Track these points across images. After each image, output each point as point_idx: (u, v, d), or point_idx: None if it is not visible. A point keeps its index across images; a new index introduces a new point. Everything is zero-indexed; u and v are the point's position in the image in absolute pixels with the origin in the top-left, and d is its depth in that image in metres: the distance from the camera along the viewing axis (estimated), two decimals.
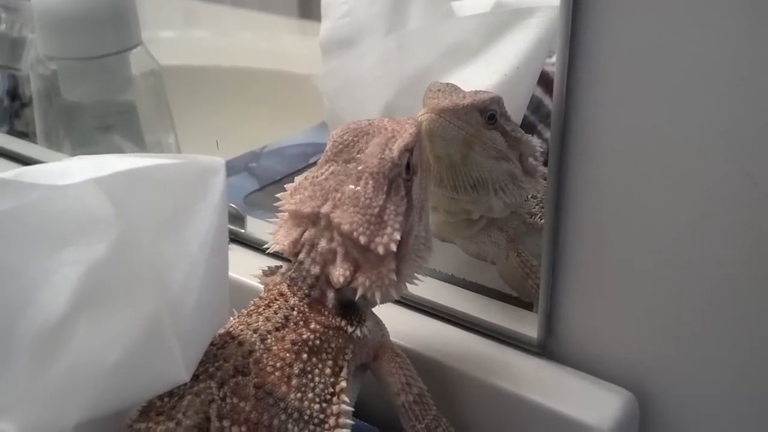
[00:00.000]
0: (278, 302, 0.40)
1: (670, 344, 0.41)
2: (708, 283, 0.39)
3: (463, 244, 0.51)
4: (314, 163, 0.56)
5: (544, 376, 0.44)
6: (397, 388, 0.41)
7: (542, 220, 0.48)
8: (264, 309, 0.39)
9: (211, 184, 0.34)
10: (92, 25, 0.64)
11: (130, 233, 0.31)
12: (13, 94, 0.81)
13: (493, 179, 0.46)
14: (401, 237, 0.38)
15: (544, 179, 0.47)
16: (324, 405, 0.37)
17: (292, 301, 0.39)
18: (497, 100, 0.46)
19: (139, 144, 0.71)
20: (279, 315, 0.39)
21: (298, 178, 0.41)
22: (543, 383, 0.44)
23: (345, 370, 0.39)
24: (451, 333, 0.47)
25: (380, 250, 0.38)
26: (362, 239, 0.38)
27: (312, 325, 0.39)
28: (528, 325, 0.45)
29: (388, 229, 0.38)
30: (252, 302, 0.41)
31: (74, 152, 0.70)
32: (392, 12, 0.57)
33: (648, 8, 0.36)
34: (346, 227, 0.38)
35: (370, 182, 0.39)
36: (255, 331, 0.38)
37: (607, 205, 0.41)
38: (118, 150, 0.70)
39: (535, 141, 0.48)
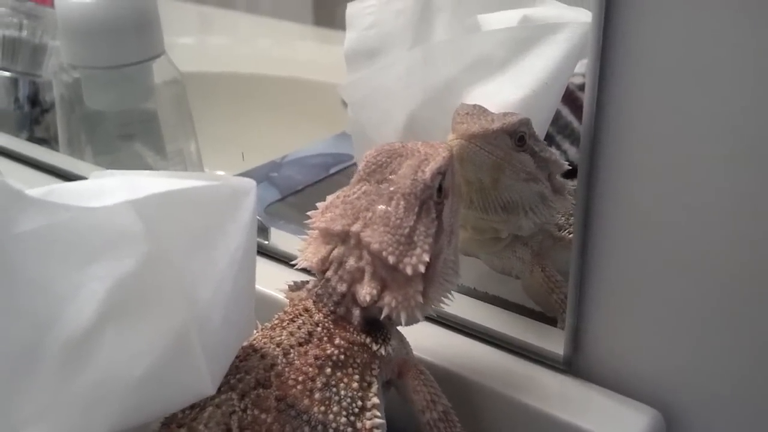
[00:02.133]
0: (303, 317, 0.40)
1: (698, 362, 0.41)
2: (737, 300, 0.39)
3: (487, 258, 0.51)
4: (335, 174, 0.57)
5: (570, 393, 0.44)
6: (422, 406, 0.41)
7: (570, 234, 0.48)
8: (288, 324, 0.40)
9: (242, 204, 0.34)
10: (116, 34, 0.65)
11: (159, 250, 0.31)
12: (34, 100, 0.81)
13: (523, 201, 0.46)
14: (430, 259, 0.38)
15: (571, 195, 0.47)
16: (353, 419, 0.37)
17: (317, 317, 0.40)
18: (526, 122, 0.46)
19: (161, 153, 0.71)
20: (303, 330, 0.39)
21: (330, 197, 0.41)
22: (569, 400, 0.44)
23: (375, 385, 0.39)
24: (476, 348, 0.47)
25: (408, 270, 0.38)
26: (391, 259, 0.38)
27: (336, 341, 0.39)
28: (554, 342, 0.45)
29: (418, 250, 0.38)
30: (276, 316, 0.41)
31: (96, 160, 0.70)
32: (418, 23, 0.56)
33: (681, 25, 0.36)
34: (375, 246, 0.38)
35: (402, 203, 0.39)
36: (278, 345, 0.38)
37: (636, 222, 0.41)
38: (139, 158, 0.71)
39: (562, 159, 0.49)
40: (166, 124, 0.71)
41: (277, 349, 0.38)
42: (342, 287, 0.39)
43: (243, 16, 1.35)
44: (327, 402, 0.37)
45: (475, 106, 0.46)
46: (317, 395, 0.37)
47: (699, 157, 0.38)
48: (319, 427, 0.36)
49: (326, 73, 0.99)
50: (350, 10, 0.58)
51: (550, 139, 0.74)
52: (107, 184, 0.32)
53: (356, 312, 0.39)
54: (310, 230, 0.41)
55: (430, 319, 0.49)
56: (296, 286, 0.42)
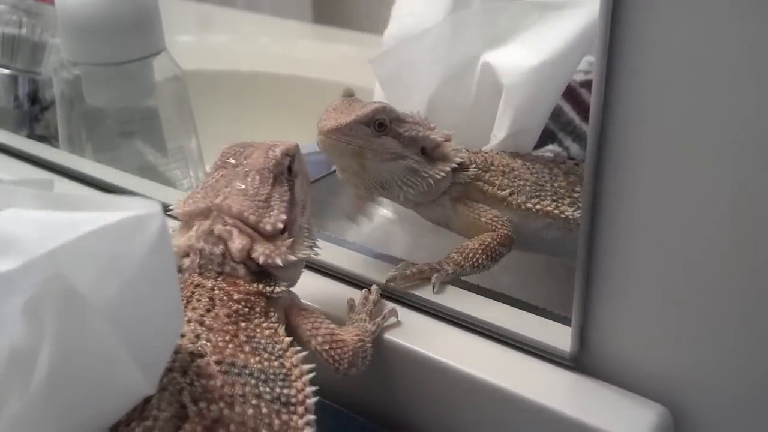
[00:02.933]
0: (197, 291, 0.42)
1: (706, 358, 0.41)
2: (745, 296, 0.39)
3: (421, 213, 0.56)
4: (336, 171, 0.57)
5: (577, 390, 0.44)
6: (306, 336, 0.44)
7: (504, 191, 0.53)
8: (187, 303, 0.42)
9: (149, 229, 0.35)
10: (117, 30, 0.64)
11: (69, 282, 0.32)
12: (33, 97, 0.81)
13: (393, 177, 0.51)
14: (285, 224, 0.43)
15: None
16: (282, 360, 0.41)
17: (210, 283, 0.42)
18: (381, 109, 0.50)
19: (161, 150, 0.71)
20: (203, 300, 0.42)
21: (190, 191, 0.45)
22: (575, 397, 0.43)
23: (281, 328, 0.42)
24: (482, 345, 0.47)
25: (268, 228, 0.43)
26: (252, 218, 0.43)
27: (235, 296, 0.42)
28: (561, 338, 0.45)
29: (275, 211, 0.43)
30: None
31: (96, 157, 0.70)
32: (452, 9, 0.59)
33: (689, 22, 0.36)
34: (235, 209, 0.43)
35: (257, 177, 0.44)
36: (189, 321, 0.41)
37: (642, 219, 0.40)
38: (139, 155, 0.70)
39: (436, 134, 0.52)
40: (167, 121, 0.71)
41: (192, 324, 0.40)
42: (218, 249, 0.43)
43: (243, 14, 1.35)
44: (256, 351, 0.40)
45: (345, 99, 0.52)
46: (247, 348, 0.40)
47: (707, 156, 0.37)
48: (262, 376, 0.39)
49: (326, 70, 0.99)
50: (398, 1, 0.61)
51: (552, 135, 0.75)
52: (10, 231, 0.32)
53: (239, 266, 0.43)
54: (174, 219, 0.44)
55: (435, 315, 0.49)
56: None
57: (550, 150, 0.74)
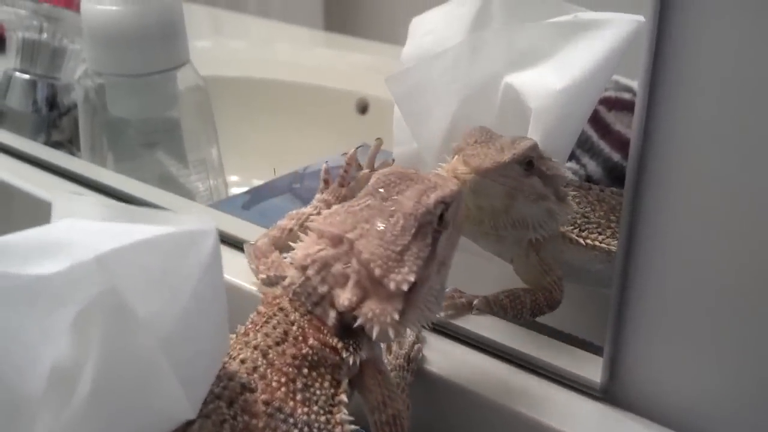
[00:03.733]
0: (278, 317, 0.40)
1: (739, 393, 0.41)
2: None
3: (484, 241, 0.52)
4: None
5: (607, 422, 0.44)
6: (373, 406, 0.41)
7: (564, 228, 0.51)
8: (262, 326, 0.40)
9: (203, 245, 0.34)
10: (143, 42, 0.64)
11: (120, 297, 0.32)
12: (52, 103, 0.81)
13: (534, 219, 0.48)
14: (415, 280, 0.39)
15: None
16: (329, 416, 0.39)
17: (293, 316, 0.40)
18: (534, 147, 0.47)
19: (182, 161, 0.71)
20: (278, 330, 0.40)
21: (336, 206, 0.42)
22: (605, 429, 0.43)
23: (344, 383, 0.40)
24: (511, 374, 0.47)
25: (392, 286, 0.38)
26: (378, 271, 0.38)
27: (310, 341, 0.40)
28: (591, 369, 0.45)
29: (405, 269, 0.39)
30: (250, 318, 0.41)
31: (117, 167, 0.70)
32: (472, 29, 0.58)
33: (734, 50, 0.36)
34: (366, 256, 0.39)
35: (401, 221, 0.40)
36: (255, 347, 0.39)
37: (677, 251, 0.40)
38: (160, 166, 0.70)
39: (564, 168, 0.50)
40: (189, 131, 0.71)
41: (256, 352, 0.39)
42: (323, 288, 0.40)
43: (254, 20, 1.35)
44: (308, 402, 0.38)
45: (481, 130, 0.48)
46: (299, 396, 0.38)
47: (746, 186, 0.38)
48: (305, 429, 0.38)
49: (338, 79, 0.99)
50: (414, 21, 0.60)
51: (570, 153, 0.75)
52: (63, 237, 0.32)
53: (332, 314, 0.40)
54: (309, 230, 0.42)
55: (462, 341, 0.49)
56: (270, 281, 0.44)
57: (567, 167, 0.74)
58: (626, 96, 0.76)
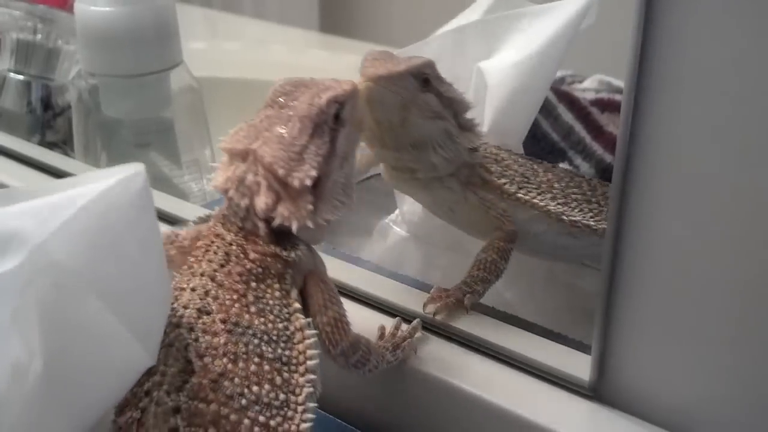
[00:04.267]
0: (216, 243, 0.43)
1: (725, 391, 0.41)
2: None
3: (418, 196, 0.55)
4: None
5: (595, 420, 0.44)
6: (314, 310, 0.44)
7: (499, 180, 0.53)
8: (204, 254, 0.42)
9: (133, 189, 0.35)
10: (137, 43, 0.65)
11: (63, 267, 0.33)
12: (46, 103, 0.81)
13: (430, 138, 0.50)
14: (318, 176, 0.42)
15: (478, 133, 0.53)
16: (286, 323, 0.41)
17: (229, 237, 0.43)
18: (430, 64, 0.49)
19: (176, 161, 0.71)
20: (219, 254, 0.42)
21: (240, 123, 0.44)
22: (593, 427, 0.44)
23: (293, 292, 0.43)
24: (499, 372, 0.47)
25: (296, 183, 0.41)
26: (281, 171, 0.41)
27: (251, 255, 0.42)
28: (579, 367, 0.45)
29: (306, 166, 0.42)
30: (192, 254, 0.43)
31: (111, 167, 0.70)
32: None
33: (719, 50, 0.36)
34: (268, 159, 0.41)
35: (297, 124, 0.42)
36: (202, 274, 0.41)
37: (666, 249, 0.40)
38: (153, 166, 0.71)
39: (467, 98, 0.52)
40: (182, 132, 0.71)
41: (204, 278, 0.41)
42: (244, 201, 0.42)
43: (249, 21, 1.35)
44: (263, 313, 0.41)
45: (382, 51, 0.49)
46: (253, 308, 0.41)
47: (731, 187, 0.38)
48: (265, 337, 0.40)
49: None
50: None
51: (562, 153, 0.75)
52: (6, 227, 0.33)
53: (261, 224, 0.42)
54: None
55: (452, 340, 0.49)
56: (201, 220, 0.45)
57: (561, 168, 0.75)
58: (619, 98, 0.76)
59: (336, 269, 0.54)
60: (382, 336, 0.49)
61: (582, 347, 0.47)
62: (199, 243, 0.43)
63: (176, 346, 0.38)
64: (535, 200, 0.53)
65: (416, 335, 0.49)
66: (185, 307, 0.40)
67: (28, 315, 0.32)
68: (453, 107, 0.51)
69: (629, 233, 0.41)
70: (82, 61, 0.67)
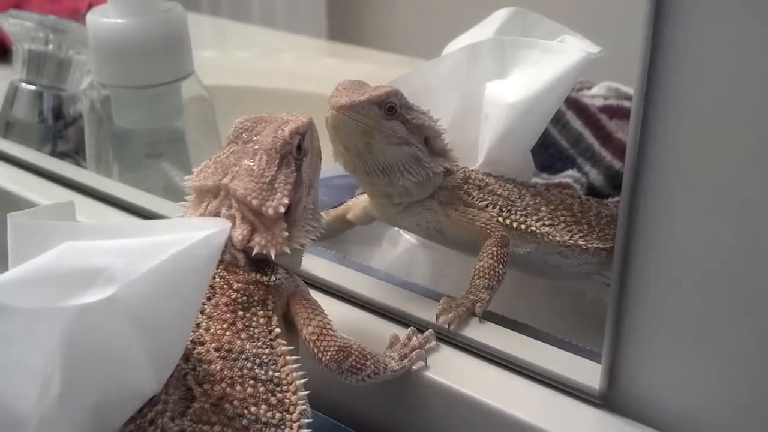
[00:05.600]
0: None
1: (735, 400, 0.41)
2: None
3: (406, 224, 0.57)
4: (362, 195, 0.58)
5: (605, 428, 0.44)
6: (300, 324, 0.45)
7: (480, 203, 0.55)
8: None
9: (213, 244, 0.37)
10: (149, 54, 0.65)
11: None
12: (57, 113, 0.82)
13: (397, 162, 0.52)
14: (289, 203, 0.44)
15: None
16: (271, 348, 0.43)
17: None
18: (394, 94, 0.51)
19: (187, 171, 0.71)
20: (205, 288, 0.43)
21: (204, 162, 0.47)
22: None
23: (275, 317, 0.44)
24: (509, 380, 0.47)
25: (270, 211, 0.43)
26: (254, 202, 0.43)
27: (235, 286, 0.44)
28: (589, 375, 0.45)
29: (278, 195, 0.44)
30: None
31: (122, 177, 0.70)
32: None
33: (728, 61, 0.37)
34: (240, 192, 0.43)
35: (264, 157, 0.45)
36: None
37: (675, 259, 0.41)
38: (164, 176, 0.71)
39: (440, 125, 0.54)
40: (193, 142, 0.71)
41: None
42: None
43: (258, 30, 1.36)
44: (252, 339, 0.43)
45: (354, 81, 0.52)
46: (243, 335, 0.43)
47: (741, 195, 0.38)
48: (257, 360, 0.42)
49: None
50: (449, 45, 0.63)
51: (572, 161, 0.75)
52: (84, 264, 0.34)
53: (240, 255, 0.44)
54: (188, 193, 0.46)
55: (461, 348, 0.50)
56: None
57: (569, 175, 0.75)
58: (627, 104, 0.77)
59: (348, 279, 0.55)
60: (392, 345, 0.49)
61: (592, 356, 0.47)
62: None
63: (175, 376, 0.40)
64: (515, 222, 0.55)
65: (428, 345, 0.49)
66: None
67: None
68: (423, 133, 0.53)
69: (639, 242, 0.41)
70: (94, 72, 0.68)
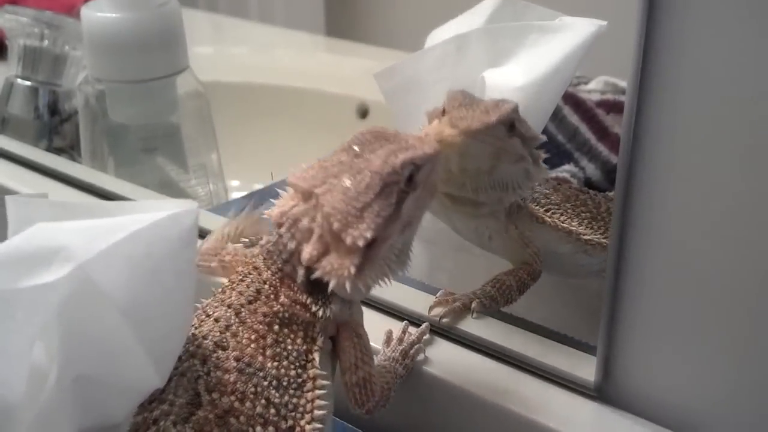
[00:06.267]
0: (252, 276, 0.42)
1: (729, 392, 0.41)
2: None
3: (460, 224, 0.54)
4: None
5: (600, 420, 0.44)
6: (345, 366, 0.43)
7: (540, 209, 0.53)
8: (238, 284, 0.42)
9: (184, 225, 0.36)
10: (143, 49, 0.65)
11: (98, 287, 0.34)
12: (53, 109, 0.82)
13: (513, 179, 0.49)
14: (374, 238, 0.39)
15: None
16: (300, 371, 0.40)
17: (265, 275, 0.42)
18: (516, 109, 0.49)
19: (183, 166, 0.71)
20: (251, 289, 0.41)
21: (314, 161, 0.43)
22: (599, 427, 0.44)
23: (320, 339, 0.41)
24: (505, 373, 0.47)
25: (349, 240, 0.39)
26: (336, 225, 0.39)
27: (281, 299, 0.41)
28: (585, 368, 0.45)
29: (364, 225, 0.39)
30: (229, 279, 0.43)
31: (118, 172, 0.70)
32: None
33: (722, 54, 0.37)
34: (327, 209, 0.39)
35: (366, 179, 0.40)
36: (229, 306, 0.41)
37: (669, 250, 0.41)
38: (160, 171, 0.71)
39: (535, 131, 0.51)
40: (189, 137, 0.71)
41: (230, 311, 0.41)
42: (292, 244, 0.41)
43: (255, 26, 1.36)
44: (278, 357, 0.40)
45: (463, 93, 0.49)
46: (269, 351, 0.40)
47: (736, 190, 0.38)
48: (274, 382, 0.39)
49: (339, 84, 0.99)
50: (432, 33, 0.62)
51: (568, 155, 0.75)
52: (47, 243, 0.33)
53: (300, 271, 0.41)
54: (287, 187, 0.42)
55: (457, 341, 0.50)
56: (251, 243, 0.45)
57: (566, 170, 0.75)
58: (624, 98, 0.76)
59: None
60: (388, 341, 0.49)
61: (587, 348, 0.47)
62: (239, 269, 0.43)
63: (187, 377, 0.38)
64: (557, 222, 0.53)
65: (424, 338, 0.49)
66: (204, 338, 0.39)
67: (54, 326, 0.33)
68: (533, 144, 0.50)
69: (633, 235, 0.41)
70: (89, 66, 0.68)
